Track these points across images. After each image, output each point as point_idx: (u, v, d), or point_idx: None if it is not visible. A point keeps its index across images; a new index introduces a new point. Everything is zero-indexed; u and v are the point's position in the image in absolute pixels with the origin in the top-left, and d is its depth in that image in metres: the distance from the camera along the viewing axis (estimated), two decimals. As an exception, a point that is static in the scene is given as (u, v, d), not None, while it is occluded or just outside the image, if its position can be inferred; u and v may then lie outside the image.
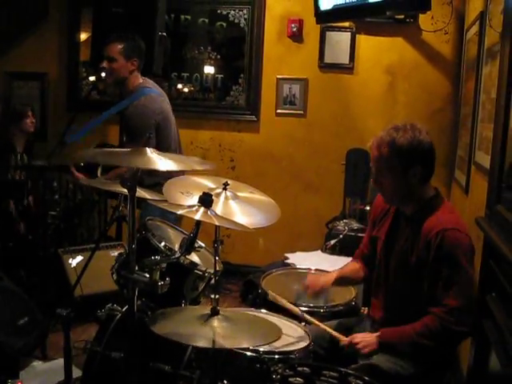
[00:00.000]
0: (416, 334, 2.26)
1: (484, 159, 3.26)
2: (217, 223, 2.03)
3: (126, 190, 2.06)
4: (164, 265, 2.08)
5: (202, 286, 2.61)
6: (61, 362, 2.93)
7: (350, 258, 3.94)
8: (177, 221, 3.37)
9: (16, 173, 4.81)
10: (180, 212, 2.00)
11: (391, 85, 5.18)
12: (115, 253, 4.11)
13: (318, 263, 3.54)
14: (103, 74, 3.75)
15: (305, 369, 1.83)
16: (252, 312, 2.66)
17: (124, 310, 2.60)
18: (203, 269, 2.58)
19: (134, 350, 2.14)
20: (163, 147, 3.63)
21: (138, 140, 3.51)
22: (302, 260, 3.92)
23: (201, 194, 2.11)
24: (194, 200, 2.42)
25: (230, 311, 2.11)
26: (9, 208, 4.61)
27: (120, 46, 3.70)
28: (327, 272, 3.34)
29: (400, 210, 2.52)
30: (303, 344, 2.37)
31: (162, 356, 2.42)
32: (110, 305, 2.66)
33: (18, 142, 4.93)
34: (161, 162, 2.04)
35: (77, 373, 3.19)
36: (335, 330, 2.55)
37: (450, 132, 4.96)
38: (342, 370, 1.82)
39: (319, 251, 4.11)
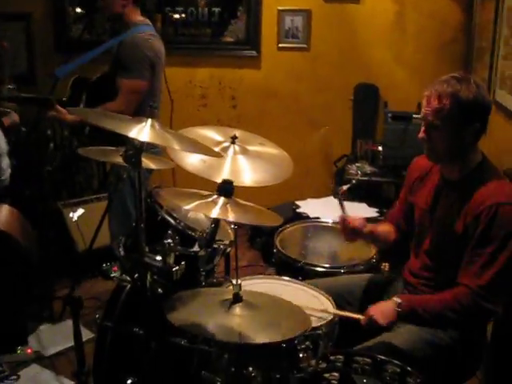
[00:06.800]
0: (445, 306, 2.14)
1: (507, 99, 3.08)
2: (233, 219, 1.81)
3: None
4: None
5: (218, 259, 2.45)
6: (69, 323, 2.90)
7: (363, 204, 3.86)
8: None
9: None
10: (191, 206, 1.79)
11: (399, 14, 4.87)
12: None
13: (331, 211, 3.36)
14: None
15: (338, 357, 1.69)
16: (275, 280, 2.54)
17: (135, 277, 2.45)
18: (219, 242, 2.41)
19: (149, 327, 2.01)
20: (155, 93, 3.50)
21: (130, 73, 3.35)
22: (314, 208, 3.79)
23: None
24: (197, 157, 2.28)
25: (252, 294, 1.94)
26: None
27: None
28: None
29: (444, 176, 2.33)
30: (329, 317, 2.23)
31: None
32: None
33: None
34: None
35: (86, 334, 3.15)
36: (367, 287, 2.51)
37: (462, 65, 4.71)
38: (378, 357, 1.69)
39: (331, 197, 3.96)
